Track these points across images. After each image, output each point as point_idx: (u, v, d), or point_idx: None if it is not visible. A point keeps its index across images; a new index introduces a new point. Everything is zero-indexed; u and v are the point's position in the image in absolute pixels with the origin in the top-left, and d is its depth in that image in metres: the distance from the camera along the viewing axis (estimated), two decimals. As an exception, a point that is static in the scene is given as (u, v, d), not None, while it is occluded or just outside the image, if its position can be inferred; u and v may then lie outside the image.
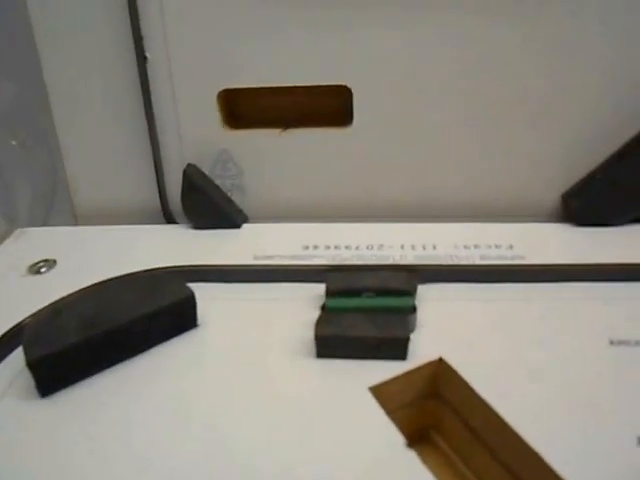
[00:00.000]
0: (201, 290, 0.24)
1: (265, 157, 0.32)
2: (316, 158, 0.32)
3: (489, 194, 0.32)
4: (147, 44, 0.30)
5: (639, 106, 0.29)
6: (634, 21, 0.28)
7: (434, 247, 0.28)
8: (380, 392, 0.20)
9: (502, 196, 0.32)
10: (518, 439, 0.18)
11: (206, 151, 0.32)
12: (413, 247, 0.28)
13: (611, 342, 0.22)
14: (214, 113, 0.31)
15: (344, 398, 0.20)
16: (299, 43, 0.29)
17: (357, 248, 0.28)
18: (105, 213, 0.34)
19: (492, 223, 0.30)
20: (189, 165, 0.32)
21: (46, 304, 0.25)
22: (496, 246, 0.28)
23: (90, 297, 0.23)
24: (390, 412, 0.19)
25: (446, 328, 0.23)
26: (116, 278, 0.26)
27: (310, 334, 0.21)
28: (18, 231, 0.32)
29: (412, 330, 0.22)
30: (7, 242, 0.32)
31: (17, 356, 0.22)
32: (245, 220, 0.32)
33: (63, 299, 0.25)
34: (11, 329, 0.24)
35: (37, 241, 0.31)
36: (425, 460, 0.18)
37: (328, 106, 0.31)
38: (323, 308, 0.23)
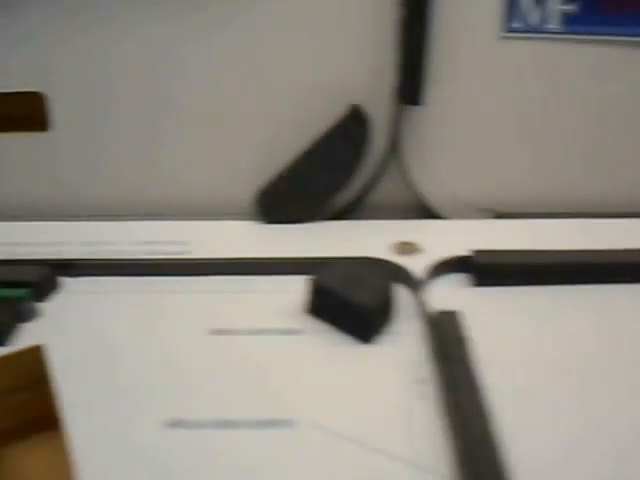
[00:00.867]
0: None
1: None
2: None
3: (190, 192, 0.32)
4: None
5: (326, 108, 0.31)
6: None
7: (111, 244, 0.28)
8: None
9: (198, 194, 0.32)
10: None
11: None
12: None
13: (211, 331, 0.24)
14: None
15: None
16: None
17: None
18: None
19: (187, 221, 0.31)
20: None
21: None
22: (173, 243, 0.28)
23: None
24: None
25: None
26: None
27: None
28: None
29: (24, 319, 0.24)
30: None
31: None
32: None
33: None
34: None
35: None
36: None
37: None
38: None
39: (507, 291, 0.27)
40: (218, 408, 0.20)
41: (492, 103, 0.32)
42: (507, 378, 0.22)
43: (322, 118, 0.31)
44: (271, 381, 0.22)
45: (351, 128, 0.31)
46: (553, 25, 0.31)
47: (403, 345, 0.24)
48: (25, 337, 0.24)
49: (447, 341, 0.23)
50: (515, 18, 0.31)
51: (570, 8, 0.31)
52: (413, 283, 0.27)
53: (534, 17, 0.31)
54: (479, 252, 0.28)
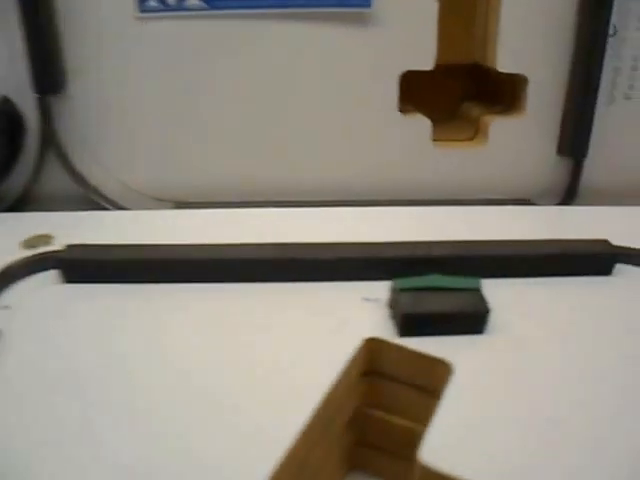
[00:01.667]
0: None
1: None
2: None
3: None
4: None
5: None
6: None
7: None
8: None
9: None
10: None
11: None
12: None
13: None
14: None
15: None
16: None
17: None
18: None
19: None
20: None
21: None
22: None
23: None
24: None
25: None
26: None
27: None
28: None
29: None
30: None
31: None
32: None
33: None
34: None
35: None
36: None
37: None
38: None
39: (96, 289, 0.26)
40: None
41: (148, 89, 0.31)
42: None
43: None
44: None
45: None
46: (193, 2, 0.30)
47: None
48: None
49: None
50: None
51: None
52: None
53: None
54: (71, 247, 0.26)
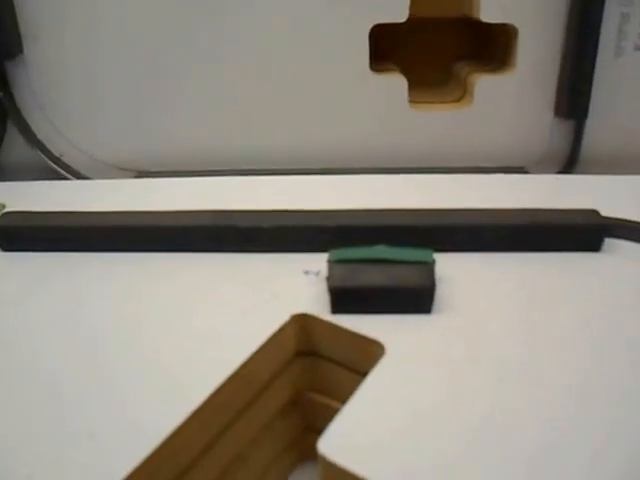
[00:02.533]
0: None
1: None
2: None
3: None
4: None
5: None
6: None
7: None
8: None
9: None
10: None
11: None
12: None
13: None
14: None
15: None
16: None
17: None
18: None
19: None
20: None
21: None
22: None
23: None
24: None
25: None
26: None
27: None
28: None
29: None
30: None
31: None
32: None
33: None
34: None
35: None
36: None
37: None
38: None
39: (28, 257, 0.24)
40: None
41: (110, 53, 0.29)
42: None
43: None
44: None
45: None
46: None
47: None
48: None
49: None
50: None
51: None
52: None
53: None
54: (7, 214, 0.25)
